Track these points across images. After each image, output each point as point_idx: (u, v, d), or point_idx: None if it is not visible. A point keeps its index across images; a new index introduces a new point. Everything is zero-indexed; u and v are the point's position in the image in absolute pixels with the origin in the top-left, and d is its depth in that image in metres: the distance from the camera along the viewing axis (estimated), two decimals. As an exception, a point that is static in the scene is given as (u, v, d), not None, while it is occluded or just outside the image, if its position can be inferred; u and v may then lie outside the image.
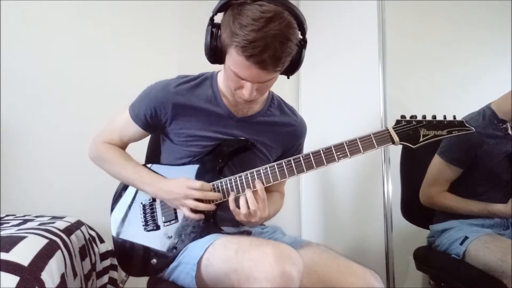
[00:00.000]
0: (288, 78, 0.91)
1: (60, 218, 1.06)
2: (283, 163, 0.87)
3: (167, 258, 0.90)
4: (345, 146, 0.85)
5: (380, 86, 1.54)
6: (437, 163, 1.30)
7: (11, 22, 1.41)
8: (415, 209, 1.39)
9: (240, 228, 0.96)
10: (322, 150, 0.85)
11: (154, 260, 0.91)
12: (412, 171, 1.42)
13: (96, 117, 1.50)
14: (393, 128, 0.86)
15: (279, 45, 0.75)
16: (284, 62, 0.80)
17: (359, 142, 0.84)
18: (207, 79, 0.97)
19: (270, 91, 1.02)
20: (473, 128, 0.87)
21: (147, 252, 0.92)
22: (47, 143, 1.46)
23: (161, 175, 0.96)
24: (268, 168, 0.87)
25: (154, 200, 0.95)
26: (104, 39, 1.59)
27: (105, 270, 1.13)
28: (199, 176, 0.93)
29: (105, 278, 1.11)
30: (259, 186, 0.85)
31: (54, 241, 0.79)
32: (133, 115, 0.96)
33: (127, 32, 1.65)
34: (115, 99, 1.51)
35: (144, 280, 0.99)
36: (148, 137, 1.18)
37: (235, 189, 0.88)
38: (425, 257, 1.34)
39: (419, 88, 1.75)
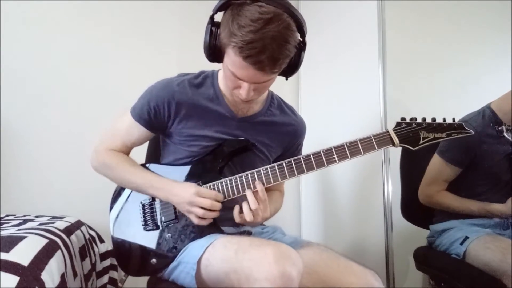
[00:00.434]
0: (287, 79, 0.91)
1: (60, 218, 1.06)
2: (284, 164, 0.87)
3: (167, 258, 0.90)
4: (346, 148, 0.85)
5: (380, 86, 1.54)
6: (436, 162, 1.30)
7: (11, 22, 1.41)
8: (415, 209, 1.39)
9: (240, 228, 0.95)
10: (323, 151, 0.85)
11: (154, 260, 0.91)
12: (412, 171, 1.42)
13: (96, 117, 1.52)
14: (393, 130, 0.86)
15: (277, 46, 0.75)
16: (282, 64, 0.80)
17: (359, 144, 0.85)
18: (208, 78, 0.97)
19: (269, 90, 1.02)
20: (472, 131, 0.88)
21: (147, 251, 0.92)
22: (47, 143, 1.46)
23: (166, 177, 0.94)
24: (268, 168, 0.87)
25: (153, 199, 0.95)
26: (104, 39, 1.59)
27: (105, 270, 1.13)
28: (199, 176, 0.93)
29: (105, 278, 1.11)
30: (259, 187, 0.85)
31: (54, 241, 0.79)
32: (135, 116, 0.95)
33: (127, 32, 1.65)
34: (115, 99, 1.52)
35: (144, 280, 0.98)
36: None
37: (235, 189, 0.88)
38: (425, 257, 1.34)
39: (419, 88, 1.75)
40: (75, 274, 0.84)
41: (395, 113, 1.51)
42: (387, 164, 1.54)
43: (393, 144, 0.85)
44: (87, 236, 1.06)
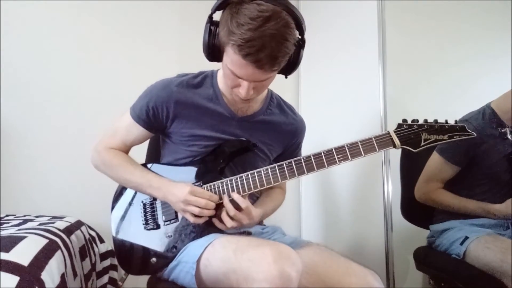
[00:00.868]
0: (286, 77, 0.91)
1: (60, 218, 1.06)
2: (284, 165, 0.87)
3: (167, 257, 0.90)
4: (346, 149, 0.85)
5: (380, 86, 1.54)
6: (435, 160, 1.30)
7: (11, 22, 1.41)
8: (415, 209, 1.39)
9: (240, 228, 0.95)
10: (323, 152, 0.85)
11: (154, 259, 0.91)
12: (412, 171, 1.41)
13: (96, 116, 1.52)
14: (395, 132, 0.86)
15: (276, 44, 0.75)
16: (281, 62, 0.80)
17: (360, 145, 0.84)
18: (207, 78, 0.97)
19: (269, 89, 1.02)
20: (474, 133, 0.88)
21: (147, 251, 0.92)
22: (47, 143, 1.46)
23: (165, 177, 0.95)
24: (269, 169, 0.87)
25: (154, 199, 0.95)
26: (104, 39, 1.59)
27: (105, 270, 1.13)
28: (200, 176, 0.93)
29: (105, 278, 1.11)
30: (235, 196, 0.85)
31: (54, 241, 0.79)
32: (134, 116, 0.96)
33: (127, 32, 1.65)
34: (115, 98, 1.52)
35: (144, 279, 0.99)
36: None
37: (235, 190, 0.88)
38: (425, 257, 1.34)
39: (419, 88, 1.75)
40: (75, 274, 0.84)
41: (395, 113, 1.51)
42: (387, 164, 1.54)
43: (394, 146, 0.85)
44: (87, 236, 1.06)
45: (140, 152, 1.12)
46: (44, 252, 0.71)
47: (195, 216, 0.86)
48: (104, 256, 1.14)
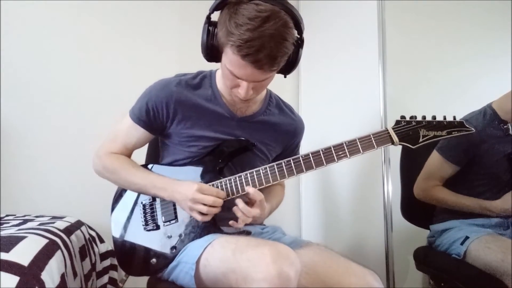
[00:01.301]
0: (285, 77, 0.91)
1: (60, 218, 1.06)
2: (283, 164, 0.87)
3: (167, 257, 0.90)
4: (345, 147, 0.85)
5: (380, 86, 1.54)
6: (435, 159, 1.30)
7: (11, 22, 1.41)
8: (415, 209, 1.39)
9: (239, 228, 0.95)
10: (322, 151, 0.85)
11: (154, 260, 0.91)
12: (412, 171, 1.41)
13: (96, 116, 1.52)
14: (393, 129, 0.86)
15: (275, 44, 0.75)
16: (280, 62, 0.79)
17: (358, 143, 0.84)
18: (206, 78, 0.97)
19: (268, 90, 1.02)
20: (472, 129, 0.87)
21: (147, 251, 0.92)
22: (47, 143, 1.46)
23: (167, 177, 0.94)
24: (267, 168, 0.87)
25: (154, 199, 0.95)
26: (104, 39, 1.59)
27: (105, 270, 1.13)
28: (199, 176, 0.93)
29: (105, 278, 1.11)
30: (251, 190, 0.85)
31: (54, 241, 0.79)
32: (134, 118, 0.95)
33: (127, 32, 1.65)
34: (115, 98, 1.52)
35: (144, 280, 0.99)
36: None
37: (235, 189, 0.88)
38: (425, 257, 1.34)
39: (419, 88, 1.75)
40: (75, 274, 0.84)
41: (395, 113, 1.51)
42: (387, 164, 1.54)
43: (393, 143, 0.85)
44: (87, 236, 1.06)
45: (140, 154, 1.12)
46: (44, 252, 0.71)
47: (203, 214, 0.85)
48: (104, 256, 1.14)
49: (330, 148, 0.85)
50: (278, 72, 0.87)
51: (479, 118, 1.27)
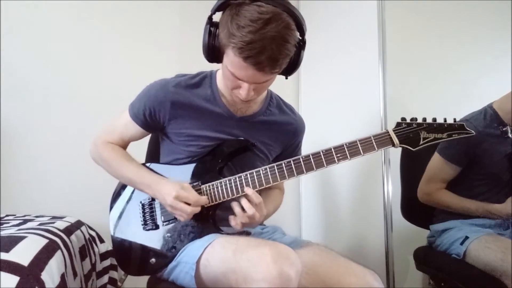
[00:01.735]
0: (287, 78, 0.91)
1: (60, 218, 1.06)
2: (283, 164, 0.87)
3: (166, 257, 0.90)
4: (345, 148, 0.84)
5: (380, 86, 1.55)
6: (436, 161, 1.30)
7: (11, 22, 1.41)
8: (415, 209, 1.39)
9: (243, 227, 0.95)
10: (322, 152, 0.85)
11: (153, 260, 0.91)
12: (412, 171, 1.42)
13: (96, 116, 1.52)
14: (393, 131, 0.86)
15: (277, 47, 0.74)
16: (282, 64, 0.79)
17: (359, 144, 0.84)
18: (206, 78, 0.97)
19: (269, 90, 1.02)
20: (473, 132, 0.88)
21: (146, 251, 0.92)
22: (47, 143, 1.46)
23: (162, 175, 0.95)
24: (267, 169, 0.87)
25: (153, 199, 0.95)
26: (104, 39, 1.59)
27: (105, 270, 1.13)
28: (199, 176, 0.93)
29: (105, 278, 1.11)
30: (249, 191, 0.85)
31: (54, 241, 0.79)
32: (132, 115, 0.96)
33: (127, 32, 1.65)
34: (115, 98, 1.51)
35: (143, 279, 0.99)
36: (148, 137, 1.18)
37: (234, 190, 0.88)
38: (425, 257, 1.34)
39: (419, 88, 1.75)
40: (75, 274, 0.84)
41: (395, 113, 1.51)
42: (387, 164, 1.54)
43: (393, 145, 0.85)
44: (87, 236, 1.07)
45: (140, 151, 1.13)
46: (44, 252, 0.71)
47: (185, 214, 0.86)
48: (104, 256, 1.14)
49: (330, 149, 0.85)
50: (280, 74, 0.87)
51: (479, 118, 1.27)
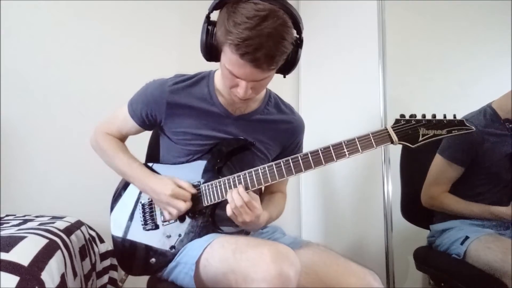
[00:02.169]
0: (284, 77, 0.91)
1: (60, 218, 1.06)
2: (281, 163, 0.86)
3: (166, 257, 0.90)
4: (344, 146, 0.84)
5: (380, 86, 1.55)
6: (438, 162, 1.30)
7: (11, 22, 1.41)
8: (415, 209, 1.39)
9: (239, 227, 0.95)
10: (321, 150, 0.85)
11: (153, 260, 0.91)
12: (412, 171, 1.41)
13: (97, 116, 1.50)
14: (392, 128, 0.85)
15: (273, 43, 0.74)
16: (279, 61, 0.79)
17: (357, 142, 0.84)
18: (204, 78, 0.98)
19: (267, 89, 1.02)
20: (473, 127, 0.86)
21: (146, 251, 0.93)
22: (47, 143, 1.46)
23: (156, 172, 0.96)
24: (266, 167, 0.87)
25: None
26: (105, 39, 1.60)
27: (105, 270, 1.13)
28: (198, 175, 0.93)
29: (105, 278, 1.11)
30: (240, 189, 0.85)
31: (54, 241, 0.79)
32: (130, 111, 0.98)
33: (128, 32, 1.65)
34: (115, 98, 1.51)
35: (143, 279, 0.99)
36: (149, 135, 1.19)
37: (233, 188, 0.88)
38: (425, 257, 1.34)
39: (419, 88, 1.75)
40: (75, 274, 0.84)
41: (395, 113, 1.49)
42: (387, 163, 1.54)
43: (392, 142, 0.84)
44: (87, 236, 1.07)
45: (140, 151, 1.13)
46: (44, 252, 0.71)
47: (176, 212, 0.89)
48: (104, 256, 1.14)
49: (329, 147, 0.85)
50: (277, 72, 0.87)
51: (479, 117, 1.27)
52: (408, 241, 1.48)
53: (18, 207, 1.31)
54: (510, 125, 1.20)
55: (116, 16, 1.63)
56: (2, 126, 1.38)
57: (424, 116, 0.86)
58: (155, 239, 0.92)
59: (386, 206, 1.52)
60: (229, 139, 0.95)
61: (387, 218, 1.51)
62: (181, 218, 0.92)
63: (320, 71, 1.91)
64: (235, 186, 0.88)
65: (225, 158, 0.93)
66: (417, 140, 0.84)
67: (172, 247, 0.91)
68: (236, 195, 0.83)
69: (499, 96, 1.29)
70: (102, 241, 1.17)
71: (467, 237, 1.18)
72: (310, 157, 0.85)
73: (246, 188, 0.86)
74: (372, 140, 0.83)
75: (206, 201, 0.90)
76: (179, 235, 0.91)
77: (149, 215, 0.95)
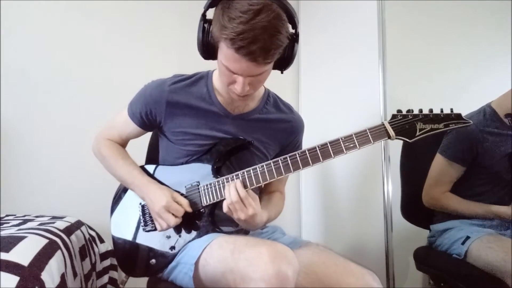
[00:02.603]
0: (282, 73, 0.91)
1: (60, 218, 1.06)
2: (279, 161, 0.86)
3: (166, 258, 0.90)
4: (341, 142, 0.83)
5: (380, 86, 1.55)
6: (439, 162, 1.29)
7: (11, 21, 1.41)
8: (415, 209, 1.39)
9: (239, 227, 0.96)
10: (318, 147, 0.84)
11: (153, 261, 0.91)
12: (412, 170, 1.41)
13: (97, 117, 1.51)
14: (389, 123, 0.84)
15: (268, 37, 0.75)
16: (274, 54, 0.79)
17: (354, 138, 0.83)
18: (203, 78, 0.98)
19: (266, 89, 1.03)
20: (470, 121, 0.84)
21: (146, 252, 0.93)
22: (47, 142, 1.46)
23: (157, 179, 0.96)
24: (264, 166, 0.87)
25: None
26: (105, 39, 1.60)
27: (105, 270, 1.13)
28: (197, 175, 0.93)
29: (105, 278, 1.12)
30: (238, 183, 0.84)
31: (54, 241, 0.79)
32: (130, 114, 0.98)
33: (128, 32, 1.65)
34: (115, 99, 1.51)
35: (144, 280, 0.99)
36: (148, 137, 1.19)
37: (230, 182, 0.88)
38: (425, 257, 1.34)
39: (419, 88, 1.75)
40: (75, 274, 0.84)
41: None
42: (387, 162, 1.54)
43: (389, 137, 0.83)
44: (87, 236, 1.07)
45: (140, 151, 1.13)
46: (44, 252, 0.71)
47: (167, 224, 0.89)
48: (104, 256, 1.15)
49: (326, 144, 0.84)
50: (275, 68, 0.87)
51: (478, 117, 1.27)
52: (408, 241, 1.48)
53: (18, 207, 1.32)
54: (511, 121, 1.20)
55: (116, 16, 1.63)
56: (2, 126, 1.38)
57: (421, 110, 0.85)
58: (155, 240, 0.93)
59: (386, 206, 1.52)
60: (227, 138, 0.95)
61: (387, 218, 1.51)
62: (177, 229, 0.92)
63: (320, 71, 1.91)
64: None
65: (224, 158, 0.93)
66: (415, 135, 0.83)
67: (172, 247, 0.91)
68: (233, 191, 0.83)
69: (499, 96, 1.29)
70: (102, 241, 1.17)
71: (467, 237, 1.18)
72: (307, 154, 0.84)
73: (245, 187, 0.86)
74: (369, 135, 0.83)
75: (205, 201, 0.90)
76: (179, 235, 0.91)
77: (149, 216, 0.95)
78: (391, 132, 0.83)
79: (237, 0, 0.76)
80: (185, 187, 0.93)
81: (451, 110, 0.85)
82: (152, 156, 1.15)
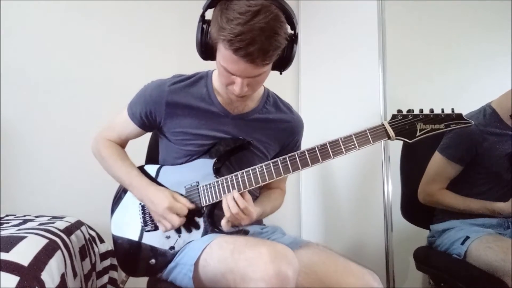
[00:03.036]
0: (281, 73, 0.91)
1: (60, 218, 1.06)
2: (279, 161, 0.86)
3: (166, 258, 0.90)
4: (340, 143, 0.83)
5: (380, 86, 1.55)
6: (437, 160, 1.30)
7: (11, 21, 1.41)
8: (415, 209, 1.39)
9: (238, 227, 0.95)
10: (317, 147, 0.84)
11: (153, 261, 0.91)
12: (412, 170, 1.41)
13: (97, 117, 1.51)
14: (389, 123, 0.83)
15: (266, 38, 0.75)
16: (272, 56, 0.79)
17: (354, 138, 0.83)
18: (202, 78, 0.98)
19: (266, 88, 1.03)
20: (471, 121, 0.83)
21: (146, 252, 0.93)
22: (47, 143, 1.46)
23: (157, 180, 0.96)
24: (263, 166, 0.87)
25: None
26: (105, 39, 1.60)
27: (105, 270, 1.13)
28: (197, 175, 0.93)
29: (105, 278, 1.12)
30: (235, 195, 0.85)
31: (54, 241, 0.79)
32: (130, 114, 0.98)
33: (128, 32, 1.65)
34: (115, 99, 1.51)
35: (144, 280, 0.99)
36: (148, 137, 1.19)
37: (231, 188, 0.88)
38: (425, 257, 1.34)
39: (419, 88, 1.75)
40: (75, 274, 0.84)
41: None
42: (387, 162, 1.54)
43: (389, 137, 0.82)
44: (87, 236, 1.07)
45: (140, 152, 1.13)
46: (44, 252, 0.71)
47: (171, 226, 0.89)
48: (104, 256, 1.15)
49: (325, 144, 0.84)
50: (273, 69, 0.87)
51: (479, 117, 1.27)
52: (408, 241, 1.48)
53: (18, 207, 1.32)
54: None
55: (116, 16, 1.63)
56: (2, 126, 1.38)
57: (421, 111, 0.84)
58: (155, 240, 0.93)
59: (386, 206, 1.52)
60: (227, 138, 0.95)
61: (387, 218, 1.51)
62: (177, 229, 0.92)
63: (320, 71, 1.91)
64: (233, 185, 0.88)
65: (223, 158, 0.93)
66: (415, 135, 0.82)
67: (172, 247, 0.91)
68: (231, 203, 0.83)
69: (499, 96, 1.29)
70: (102, 241, 1.17)
71: (467, 237, 1.18)
72: (307, 154, 0.84)
73: (244, 188, 0.86)
74: (369, 136, 0.82)
75: (204, 201, 0.90)
76: (179, 236, 0.91)
77: (149, 216, 0.95)
78: (391, 133, 0.82)
79: (235, 1, 0.75)
80: (185, 187, 0.93)
81: (452, 110, 0.84)
82: (152, 156, 1.15)
